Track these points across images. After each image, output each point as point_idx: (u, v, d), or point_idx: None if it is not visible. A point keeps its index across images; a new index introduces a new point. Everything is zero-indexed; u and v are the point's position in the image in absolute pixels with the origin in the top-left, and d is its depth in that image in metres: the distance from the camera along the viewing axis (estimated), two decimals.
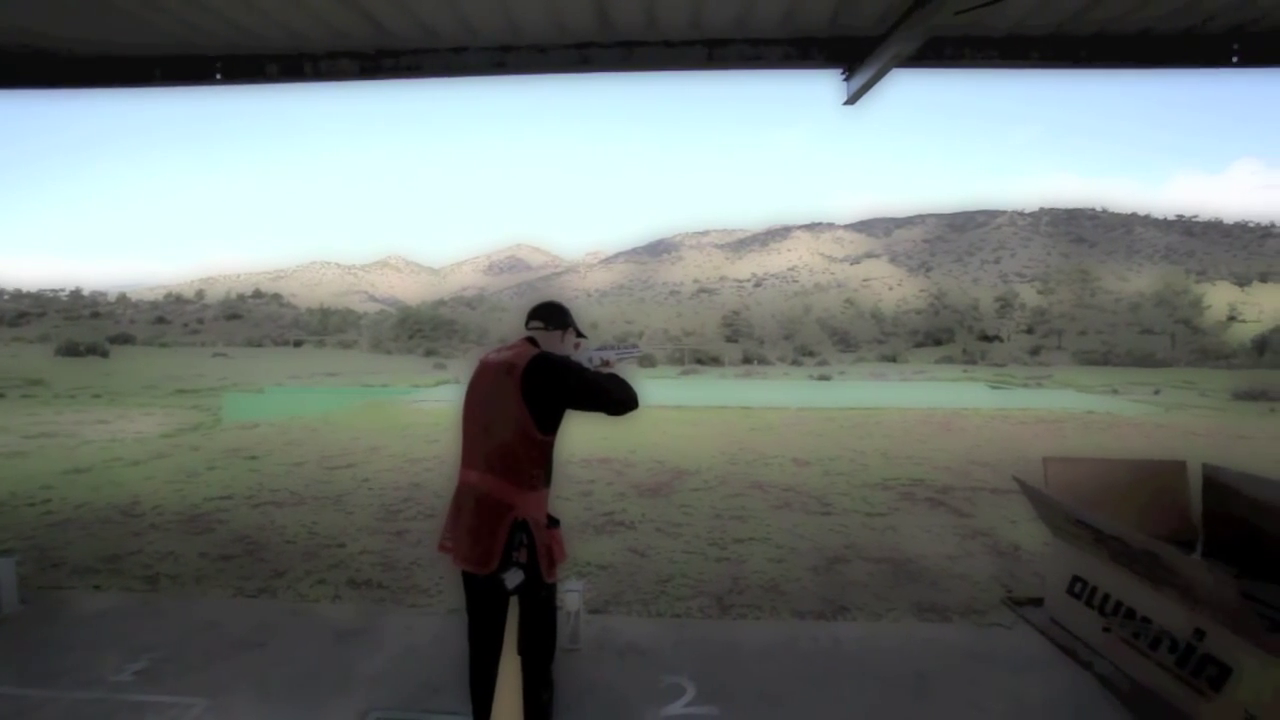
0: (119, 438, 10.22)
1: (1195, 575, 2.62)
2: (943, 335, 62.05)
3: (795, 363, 40.91)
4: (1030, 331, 65.49)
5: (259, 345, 51.76)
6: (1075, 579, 3.44)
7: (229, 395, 17.48)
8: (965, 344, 56.06)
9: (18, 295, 78.34)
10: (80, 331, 45.18)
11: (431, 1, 3.76)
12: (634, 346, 2.58)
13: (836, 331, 65.62)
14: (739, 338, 60.99)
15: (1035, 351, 49.32)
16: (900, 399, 17.17)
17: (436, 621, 3.66)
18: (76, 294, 79.62)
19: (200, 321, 76.53)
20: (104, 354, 31.21)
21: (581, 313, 2.75)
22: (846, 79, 4.33)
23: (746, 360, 39.70)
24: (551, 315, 2.41)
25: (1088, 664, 3.15)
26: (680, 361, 35.85)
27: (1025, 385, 23.54)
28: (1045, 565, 4.00)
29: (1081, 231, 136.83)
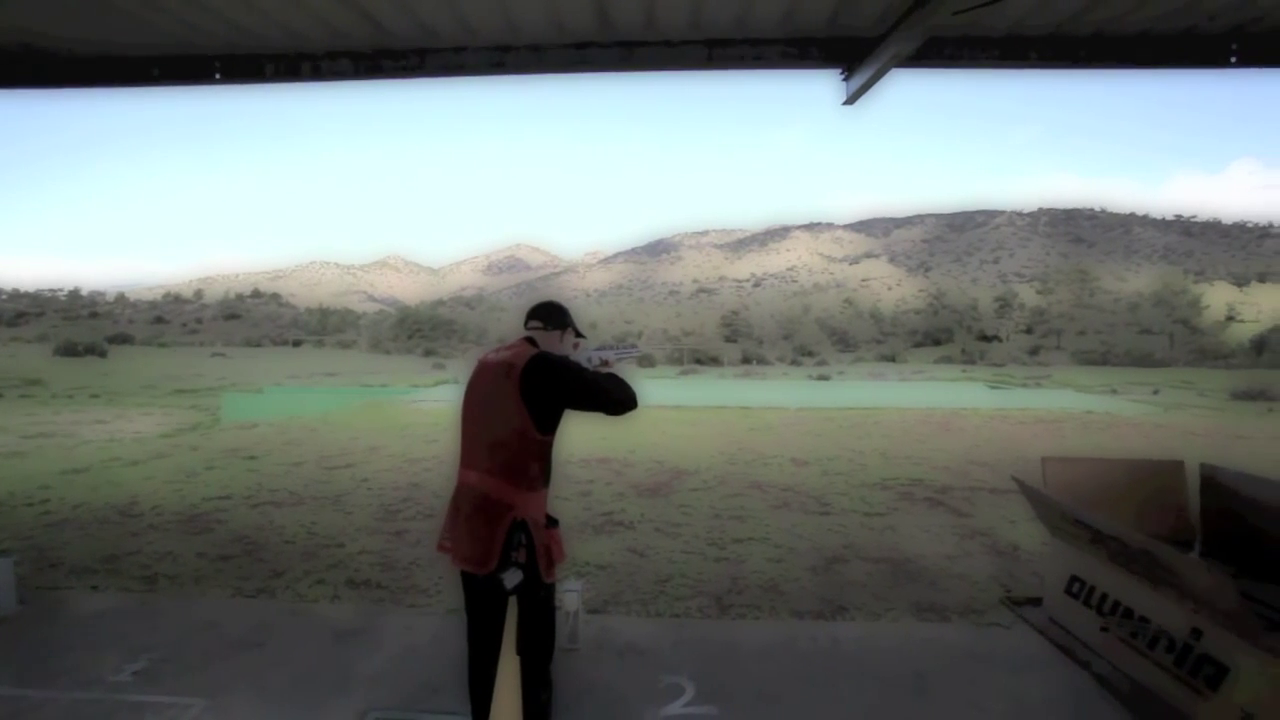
0: (117, 438, 10.22)
1: (1193, 575, 2.62)
2: (942, 335, 62.15)
3: (794, 363, 41.00)
4: (1029, 331, 65.59)
5: (258, 345, 51.80)
6: (1074, 579, 3.44)
7: (228, 395, 17.48)
8: (964, 344, 56.17)
9: (16, 295, 78.36)
10: (78, 331, 45.18)
11: (431, 1, 3.75)
12: (633, 346, 2.57)
13: (835, 331, 65.72)
14: (738, 338, 61.05)
15: (1034, 351, 49.41)
16: (899, 399, 17.19)
17: (435, 621, 3.66)
18: (75, 294, 79.61)
19: (199, 321, 76.60)
20: (102, 354, 31.22)
21: (580, 313, 2.75)
22: (846, 79, 4.33)
23: (745, 360, 39.76)
24: (550, 315, 2.40)
25: (1086, 663, 3.15)
26: (679, 361, 35.84)
27: (1024, 385, 23.58)
28: (1044, 565, 4.00)
29: (1080, 231, 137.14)
